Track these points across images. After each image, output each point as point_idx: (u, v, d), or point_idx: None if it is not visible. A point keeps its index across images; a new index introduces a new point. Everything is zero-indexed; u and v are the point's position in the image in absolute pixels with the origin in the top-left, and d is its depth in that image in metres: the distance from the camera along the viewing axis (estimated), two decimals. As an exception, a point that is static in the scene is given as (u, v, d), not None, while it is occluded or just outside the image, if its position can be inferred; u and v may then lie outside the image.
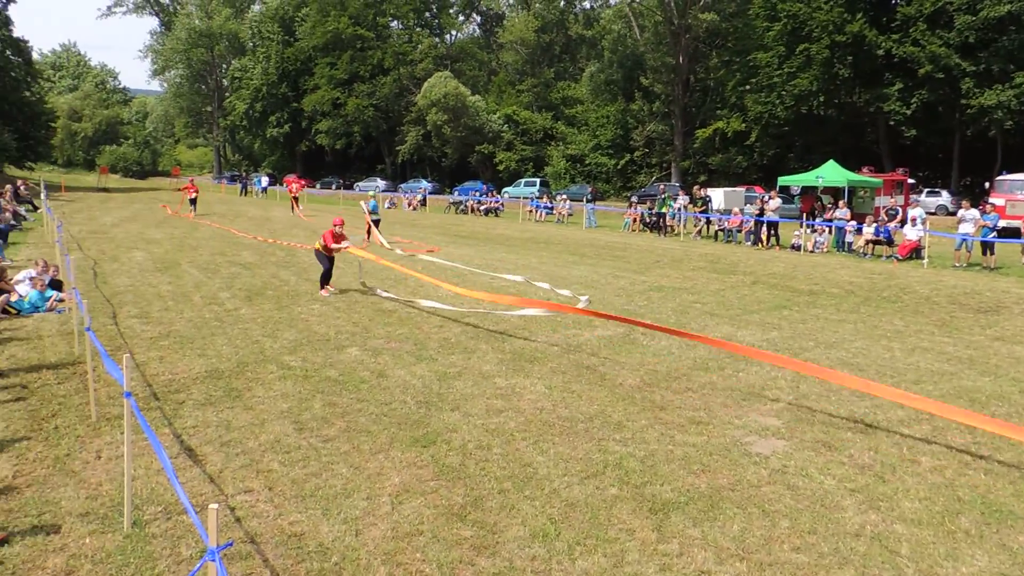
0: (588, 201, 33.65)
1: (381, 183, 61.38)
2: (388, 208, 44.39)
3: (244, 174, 67.69)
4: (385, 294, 13.34)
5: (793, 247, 23.59)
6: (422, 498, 5.35)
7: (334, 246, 13.10)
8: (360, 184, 63.36)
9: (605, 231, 30.81)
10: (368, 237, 20.86)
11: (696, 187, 31.29)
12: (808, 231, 23.70)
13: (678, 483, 5.70)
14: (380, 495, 5.39)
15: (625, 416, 7.13)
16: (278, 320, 11.05)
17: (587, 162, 55.63)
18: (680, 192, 32.48)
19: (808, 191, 30.42)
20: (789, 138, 45.27)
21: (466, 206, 42.39)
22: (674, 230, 28.85)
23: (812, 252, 22.80)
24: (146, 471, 5.65)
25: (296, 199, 36.60)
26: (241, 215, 32.69)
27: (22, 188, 32.16)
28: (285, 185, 49.15)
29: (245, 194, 54.49)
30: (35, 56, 65.01)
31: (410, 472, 5.78)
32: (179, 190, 38.50)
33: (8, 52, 55.07)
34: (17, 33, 56.67)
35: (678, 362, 9.16)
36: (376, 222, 21.59)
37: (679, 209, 28.99)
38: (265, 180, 58.45)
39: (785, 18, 40.92)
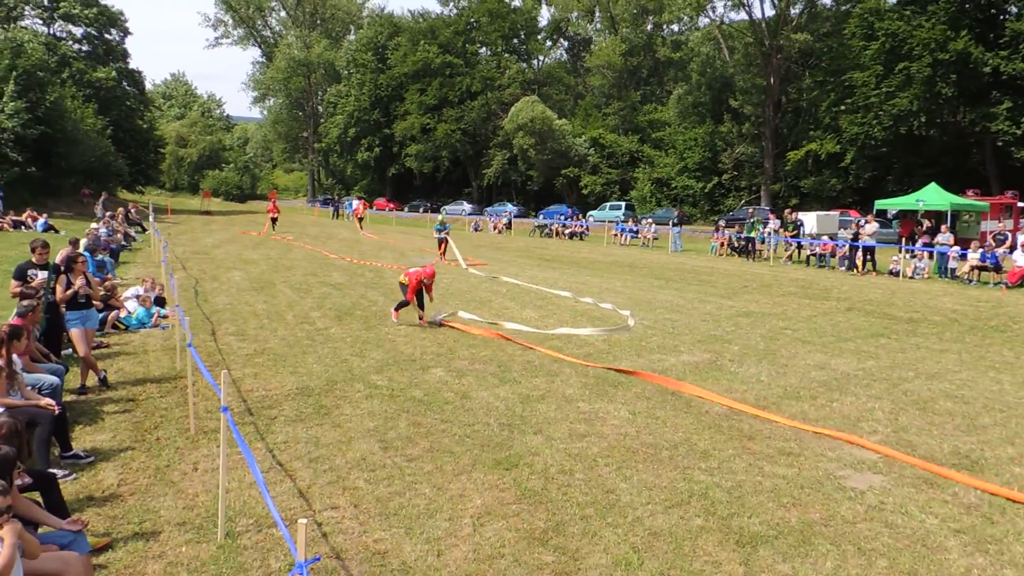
0: (674, 225, 33.21)
1: (467, 206, 62.21)
2: (474, 232, 45.05)
3: (336, 197, 69.83)
4: (468, 315, 13.47)
5: (891, 273, 22.60)
6: (503, 521, 5.34)
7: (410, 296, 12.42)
8: (447, 207, 64.43)
9: (691, 255, 30.31)
10: (443, 255, 21.37)
11: (787, 211, 30.46)
12: (907, 256, 22.67)
13: (767, 516, 5.50)
14: (462, 516, 5.41)
15: (711, 445, 6.95)
16: (366, 340, 11.30)
17: (673, 185, 54.95)
18: (770, 216, 31.65)
19: (907, 215, 29.16)
20: (887, 160, 43.52)
21: (551, 229, 42.47)
22: (763, 255, 28.13)
23: (912, 278, 21.79)
24: (239, 484, 5.85)
25: (360, 219, 41.34)
26: (333, 237, 33.67)
27: (132, 211, 34.11)
28: (351, 207, 52.78)
29: (337, 217, 56.22)
30: (147, 86, 69.18)
31: (492, 494, 5.78)
32: (269, 212, 41.25)
33: (125, 83, 58.88)
34: (132, 65, 60.66)
35: (767, 390, 8.88)
36: (441, 241, 22.47)
37: (769, 233, 28.27)
38: (356, 203, 60.20)
39: (883, 36, 39.55)
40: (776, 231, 28.31)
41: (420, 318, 12.56)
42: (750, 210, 33.57)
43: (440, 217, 26.65)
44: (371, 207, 62.13)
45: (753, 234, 28.33)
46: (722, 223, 33.75)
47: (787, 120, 50.49)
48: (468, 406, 8.02)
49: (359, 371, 9.42)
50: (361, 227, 39.55)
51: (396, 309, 12.80)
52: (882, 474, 6.36)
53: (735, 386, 9.03)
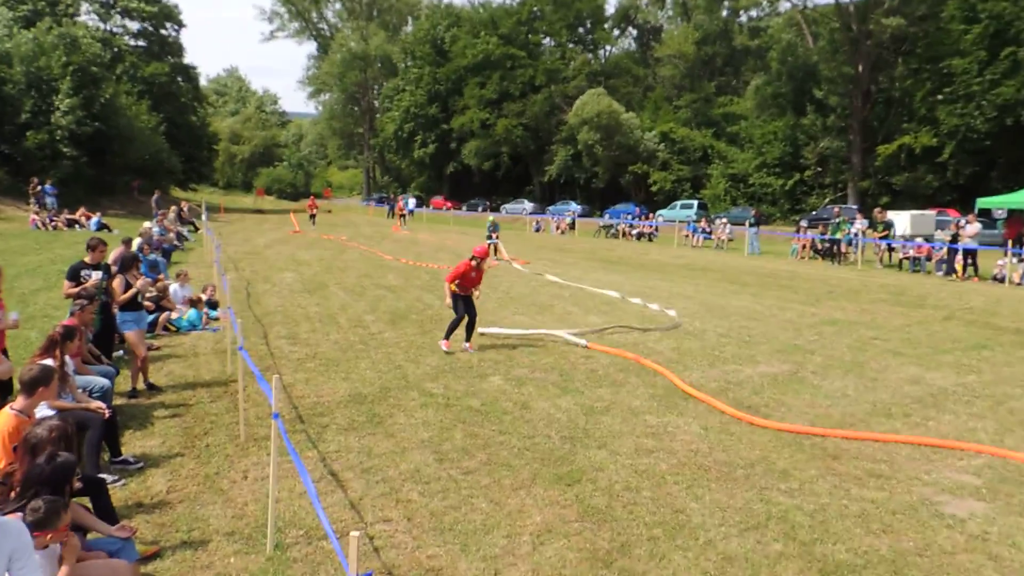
0: (751, 225, 32.60)
1: (528, 205, 62.28)
2: (535, 232, 45.10)
3: (392, 196, 70.81)
4: (528, 331, 13.45)
5: (995, 279, 21.73)
6: (565, 540, 5.30)
7: (459, 286, 11.11)
8: (506, 206, 64.59)
9: (770, 258, 29.70)
10: (496, 254, 22.12)
11: (877, 210, 29.58)
12: (1014, 260, 21.76)
13: (854, 543, 5.33)
14: (521, 534, 5.39)
15: (791, 464, 6.78)
16: (421, 345, 11.40)
17: (751, 182, 53.99)
18: (858, 215, 30.80)
19: (1016, 215, 28.00)
20: (990, 154, 41.91)
21: (617, 230, 42.23)
22: (850, 258, 27.40)
23: (1019, 284, 20.90)
24: (289, 494, 5.95)
25: (403, 216, 44.93)
26: (388, 237, 34.20)
27: (185, 209, 35.23)
28: (394, 204, 56.18)
29: (392, 216, 57.11)
30: (201, 82, 71.32)
31: (553, 511, 5.75)
32: (318, 210, 44.21)
33: (179, 78, 60.88)
34: (186, 60, 62.66)
35: (854, 405, 8.62)
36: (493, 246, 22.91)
37: (856, 234, 27.52)
38: (412, 202, 60.89)
39: (987, 19, 38.15)
40: (864, 232, 27.54)
41: (468, 342, 11.18)
42: (835, 209, 32.66)
43: (491, 218, 26.93)
44: (423, 205, 63.18)
45: (839, 235, 27.62)
46: (804, 223, 32.97)
47: (877, 111, 49.07)
48: (528, 417, 8.01)
49: (414, 378, 9.51)
50: (402, 224, 42.47)
51: (447, 336, 11.07)
52: (985, 501, 6.10)
53: (818, 401, 8.80)
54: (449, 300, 11.12)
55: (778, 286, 19.76)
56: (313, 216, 40.70)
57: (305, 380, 9.32)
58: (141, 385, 8.70)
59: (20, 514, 3.79)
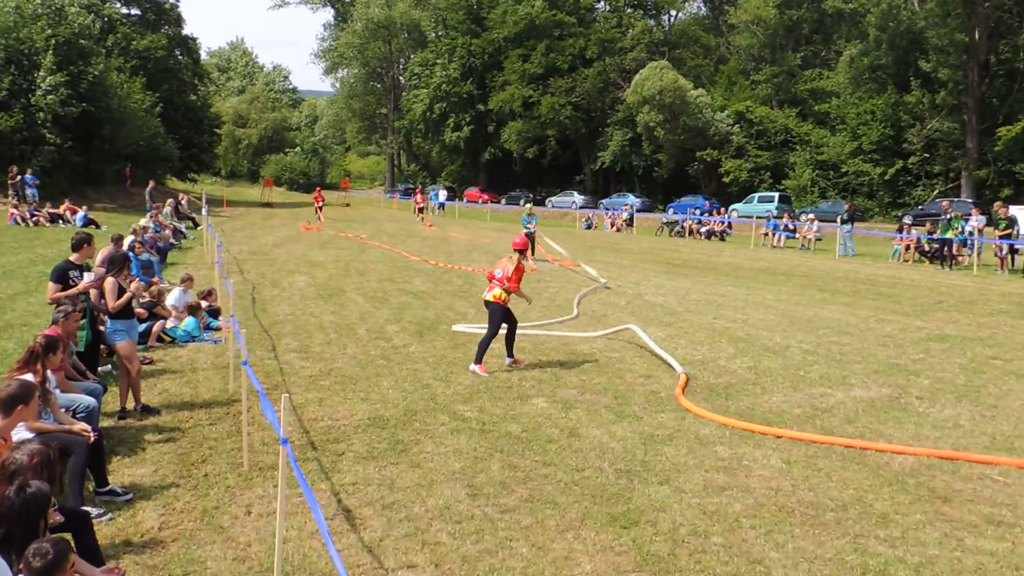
0: (843, 222, 32.18)
1: (578, 198, 62.16)
2: (586, 229, 45.02)
3: (419, 187, 71.10)
4: (584, 333, 13.41)
5: None
6: (620, 593, 5.26)
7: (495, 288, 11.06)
8: (553, 199, 64.43)
9: (866, 261, 29.26)
10: (532, 254, 22.64)
11: (997, 204, 28.97)
12: None
13: (968, 604, 5.21)
14: (568, 585, 5.36)
15: (892, 507, 6.65)
16: (452, 360, 11.42)
17: (843, 171, 53.27)
18: (973, 211, 30.21)
19: None
20: None
21: (683, 227, 42.01)
22: (963, 261, 26.85)
23: None
24: (299, 532, 6.01)
25: (421, 209, 46.62)
26: (414, 235, 34.46)
27: (183, 202, 35.88)
28: (437, 198, 57.93)
29: (420, 211, 57.42)
30: (202, 56, 72.50)
31: (605, 559, 5.71)
32: (324, 203, 46.13)
33: (177, 52, 61.86)
34: (186, 31, 63.78)
35: (969, 437, 8.44)
36: (529, 236, 23.01)
37: (971, 233, 26.97)
38: (443, 194, 61.14)
39: None
40: (981, 231, 26.98)
41: (511, 357, 11.24)
42: (945, 203, 32.11)
43: (528, 207, 27.03)
44: (455, 198, 63.57)
45: (949, 234, 27.11)
46: (907, 220, 32.47)
47: (997, 87, 48.09)
48: (577, 446, 7.99)
49: (443, 399, 9.54)
50: (422, 217, 44.85)
51: (479, 359, 10.81)
52: None
53: (924, 431, 8.63)
54: (529, 297, 11.72)
55: (876, 295, 19.45)
56: (319, 210, 42.97)
57: (318, 400, 9.39)
58: (132, 405, 8.78)
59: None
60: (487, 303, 11.09)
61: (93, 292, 9.35)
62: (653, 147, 61.15)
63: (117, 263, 8.95)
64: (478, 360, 10.76)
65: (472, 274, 21.08)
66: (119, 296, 8.64)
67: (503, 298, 10.93)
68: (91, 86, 40.48)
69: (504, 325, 11.12)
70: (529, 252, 23.97)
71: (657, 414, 9.10)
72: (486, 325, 11.26)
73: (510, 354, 11.18)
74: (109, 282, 8.70)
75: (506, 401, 9.51)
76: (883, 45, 51.70)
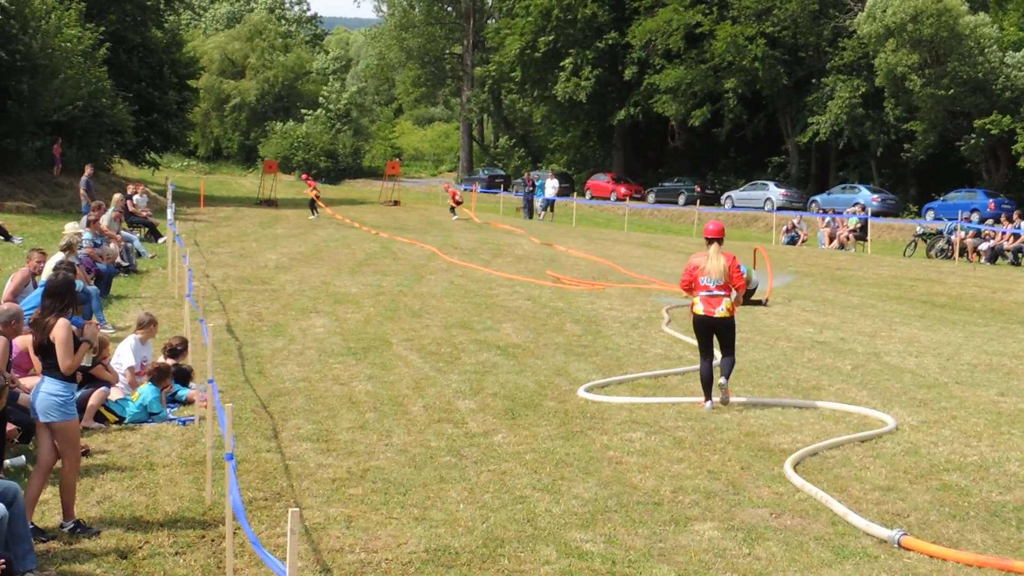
0: None
1: (776, 192, 45.54)
2: (787, 244, 34.69)
3: (525, 175, 48.32)
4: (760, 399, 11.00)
5: None
6: None
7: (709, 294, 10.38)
8: (733, 194, 47.42)
9: None
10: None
11: None
12: None
13: None
14: None
15: None
16: (563, 457, 8.94)
17: None
18: None
19: None
20: None
21: (951, 242, 30.21)
22: None
23: None
24: None
25: (459, 203, 39.09)
26: (505, 252, 27.15)
27: (137, 199, 26.74)
28: (542, 193, 43.34)
29: (528, 211, 42.78)
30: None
31: None
32: (318, 192, 39.12)
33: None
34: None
35: None
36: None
37: None
38: (552, 185, 43.93)
39: None
40: None
41: (723, 390, 10.38)
42: None
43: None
44: (573, 191, 49.60)
45: None
46: None
47: None
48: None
49: (547, 522, 7.32)
50: (455, 215, 38.41)
51: (707, 395, 10.39)
52: None
53: None
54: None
55: None
56: (314, 202, 36.80)
57: (346, 519, 7.27)
58: (56, 521, 6.99)
59: None
60: (716, 321, 10.27)
61: None
62: (902, 110, 42.49)
63: (62, 294, 7.01)
64: (707, 397, 10.38)
65: (596, 313, 16.60)
66: (76, 347, 6.80)
67: (733, 308, 10.41)
68: (2, 19, 28.79)
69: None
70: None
71: (903, 554, 6.74)
72: (627, 375, 11.48)
73: (725, 376, 10.36)
74: (62, 325, 6.76)
75: (652, 526, 7.31)
76: None
